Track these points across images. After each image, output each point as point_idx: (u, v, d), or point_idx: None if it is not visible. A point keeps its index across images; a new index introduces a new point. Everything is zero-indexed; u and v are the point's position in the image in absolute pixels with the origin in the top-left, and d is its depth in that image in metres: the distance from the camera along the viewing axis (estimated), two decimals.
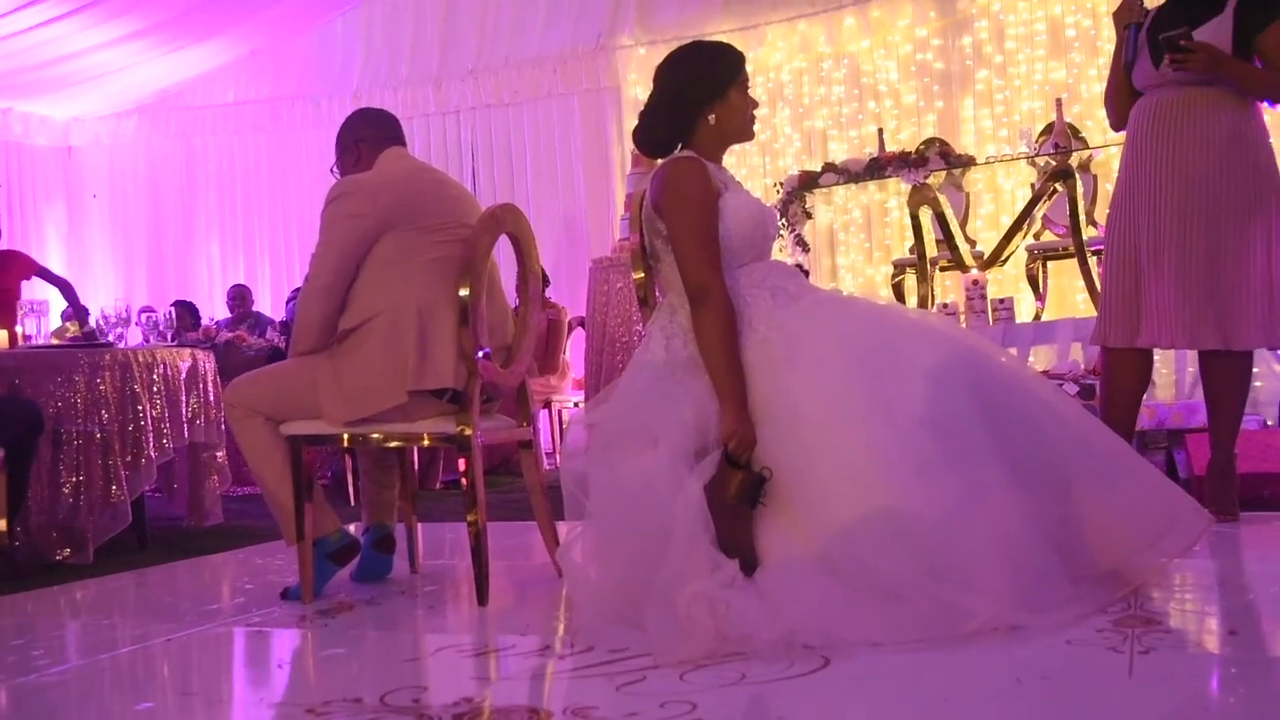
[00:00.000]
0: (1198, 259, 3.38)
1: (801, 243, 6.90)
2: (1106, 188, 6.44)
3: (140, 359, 4.20)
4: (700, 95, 2.62)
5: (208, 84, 9.75)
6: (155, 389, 4.25)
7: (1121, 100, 3.63)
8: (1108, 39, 6.72)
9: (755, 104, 2.73)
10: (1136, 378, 3.57)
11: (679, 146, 2.67)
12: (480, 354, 2.93)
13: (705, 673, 2.04)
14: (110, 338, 4.38)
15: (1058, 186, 5.76)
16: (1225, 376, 3.49)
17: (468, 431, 2.93)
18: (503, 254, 3.22)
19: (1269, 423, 5.42)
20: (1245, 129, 3.42)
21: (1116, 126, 3.75)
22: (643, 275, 2.90)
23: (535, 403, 3.40)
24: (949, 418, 2.30)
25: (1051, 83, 6.88)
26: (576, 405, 7.17)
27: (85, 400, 3.99)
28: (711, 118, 2.63)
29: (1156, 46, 3.44)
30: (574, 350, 7.49)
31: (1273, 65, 3.38)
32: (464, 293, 2.91)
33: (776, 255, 3.62)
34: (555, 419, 6.94)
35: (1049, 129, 6.30)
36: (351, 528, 3.36)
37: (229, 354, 6.39)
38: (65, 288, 5.93)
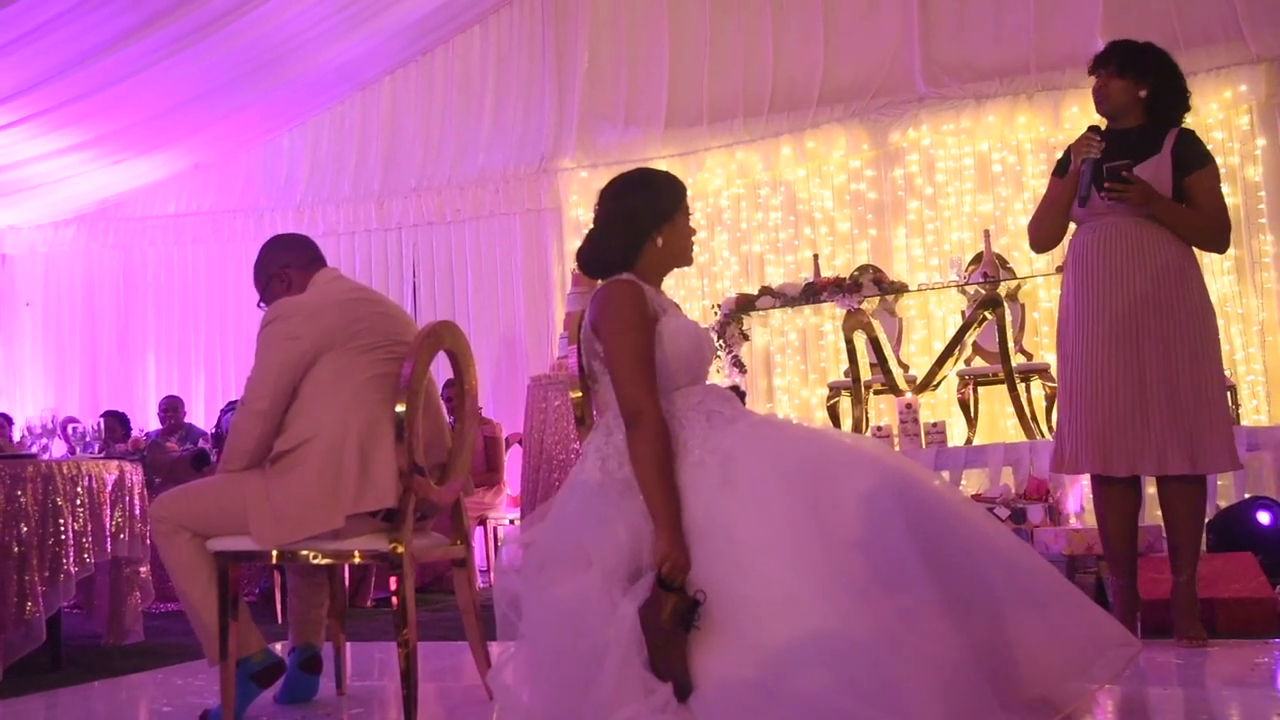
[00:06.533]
0: (1157, 384, 3.45)
1: (739, 364, 6.99)
2: (1034, 316, 6.64)
3: (64, 471, 4.11)
4: (652, 218, 2.68)
5: (150, 195, 9.73)
6: (79, 501, 4.15)
7: (1056, 223, 3.71)
8: (1032, 174, 7.00)
9: (694, 231, 2.82)
10: (1129, 501, 3.60)
11: (622, 270, 2.71)
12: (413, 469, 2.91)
13: None
14: (34, 449, 4.28)
15: (987, 314, 5.91)
16: (1186, 502, 3.53)
17: (400, 549, 2.89)
18: (441, 371, 3.23)
19: None
20: (1189, 264, 3.57)
21: (1042, 247, 3.83)
22: (580, 395, 2.91)
23: (470, 520, 3.37)
24: (882, 542, 2.32)
25: (980, 214, 7.11)
26: (512, 523, 7.09)
27: (4, 513, 3.88)
28: (660, 240, 2.69)
29: (1101, 178, 3.52)
30: (510, 467, 7.45)
31: (1198, 207, 3.56)
32: (400, 409, 2.90)
33: (714, 376, 3.68)
34: (491, 536, 6.86)
35: (978, 259, 6.49)
36: (278, 647, 3.27)
37: (154, 452, 6.25)
38: None
